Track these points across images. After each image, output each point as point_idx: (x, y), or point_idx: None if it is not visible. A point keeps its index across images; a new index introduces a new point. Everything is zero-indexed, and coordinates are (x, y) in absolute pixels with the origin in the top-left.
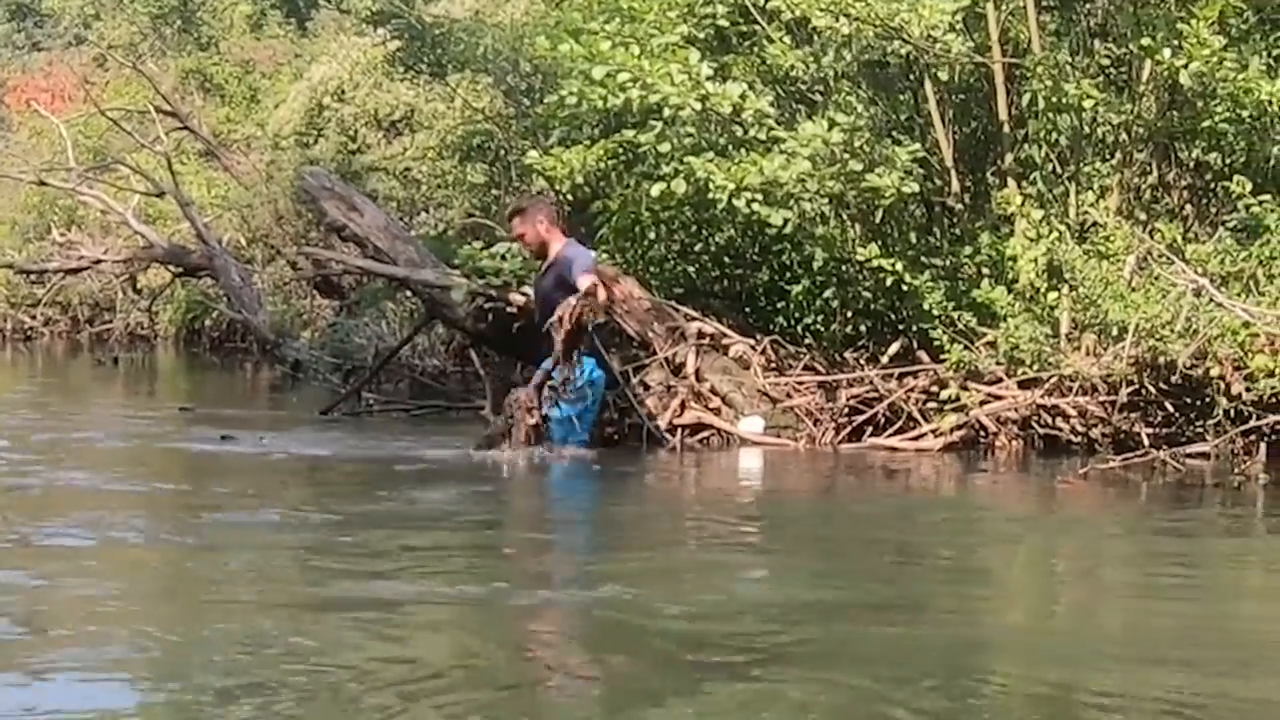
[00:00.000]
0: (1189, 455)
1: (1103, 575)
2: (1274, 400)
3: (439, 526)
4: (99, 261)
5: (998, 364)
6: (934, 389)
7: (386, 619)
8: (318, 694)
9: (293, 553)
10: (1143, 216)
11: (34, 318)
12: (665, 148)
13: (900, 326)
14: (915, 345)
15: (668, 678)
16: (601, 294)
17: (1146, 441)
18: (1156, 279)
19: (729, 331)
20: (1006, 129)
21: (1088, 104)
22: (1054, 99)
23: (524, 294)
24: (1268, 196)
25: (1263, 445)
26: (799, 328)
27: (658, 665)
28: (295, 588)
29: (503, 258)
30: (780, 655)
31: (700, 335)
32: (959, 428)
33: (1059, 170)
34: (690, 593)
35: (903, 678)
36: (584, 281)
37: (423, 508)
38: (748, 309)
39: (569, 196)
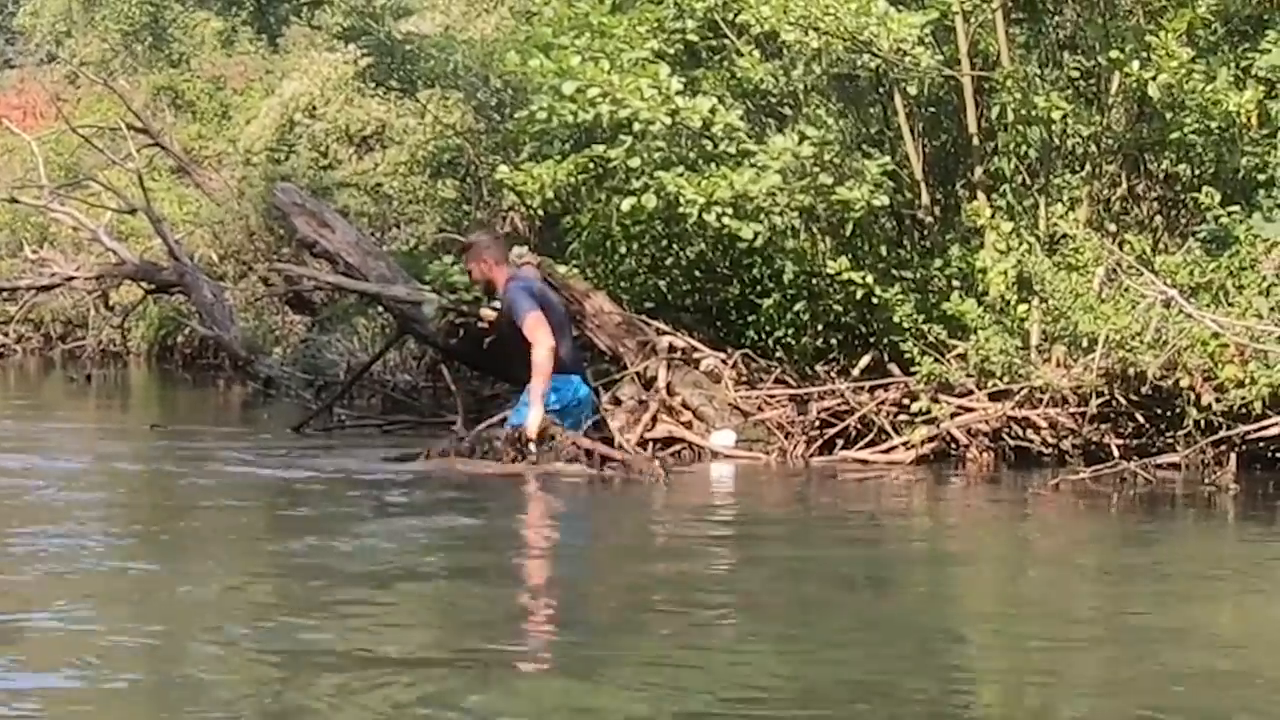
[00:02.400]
0: (1159, 466)
1: (1072, 587)
2: (1244, 411)
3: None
4: (71, 279)
5: (968, 376)
6: (905, 401)
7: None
8: None
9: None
10: (1112, 228)
11: (6, 335)
12: (635, 162)
13: (871, 339)
14: (886, 358)
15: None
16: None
17: (1117, 453)
18: (1126, 290)
19: (700, 345)
20: (976, 142)
21: (1057, 116)
22: (1023, 111)
23: (494, 309)
24: (1236, 208)
25: (1233, 456)
26: (770, 341)
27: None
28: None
29: None
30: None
31: (671, 349)
32: (930, 440)
33: (1028, 182)
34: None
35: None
36: (535, 346)
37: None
38: (719, 323)
39: (539, 211)
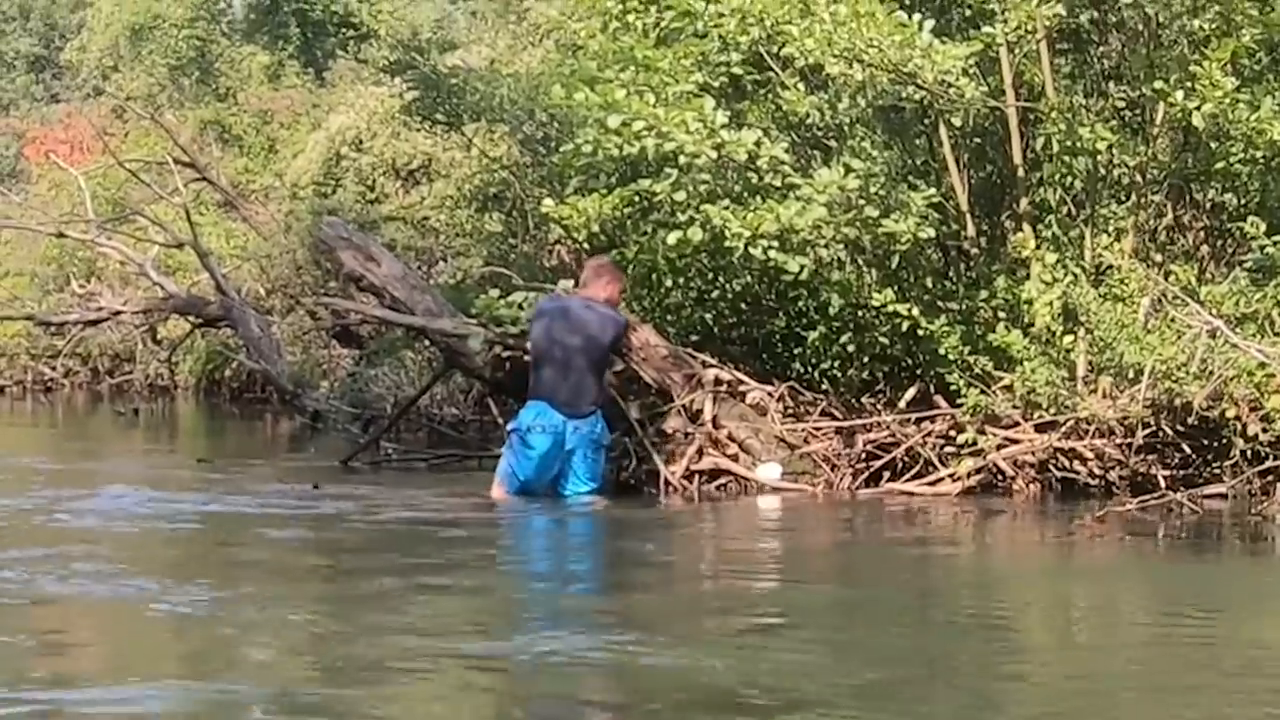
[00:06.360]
0: (1206, 496)
1: (1122, 621)
2: None
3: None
4: (118, 313)
5: (1014, 407)
6: (951, 433)
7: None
8: None
9: None
10: (1158, 258)
11: (54, 369)
12: (681, 196)
13: (917, 371)
14: (932, 390)
15: None
16: None
17: (1163, 483)
18: (1172, 321)
19: (746, 378)
20: (1021, 173)
21: (1102, 147)
22: (1068, 142)
23: None
24: None
25: (1279, 485)
26: (816, 373)
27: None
28: None
29: (520, 306)
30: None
31: (717, 382)
32: (976, 472)
33: (1074, 213)
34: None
35: None
36: None
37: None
38: (765, 355)
39: (586, 245)
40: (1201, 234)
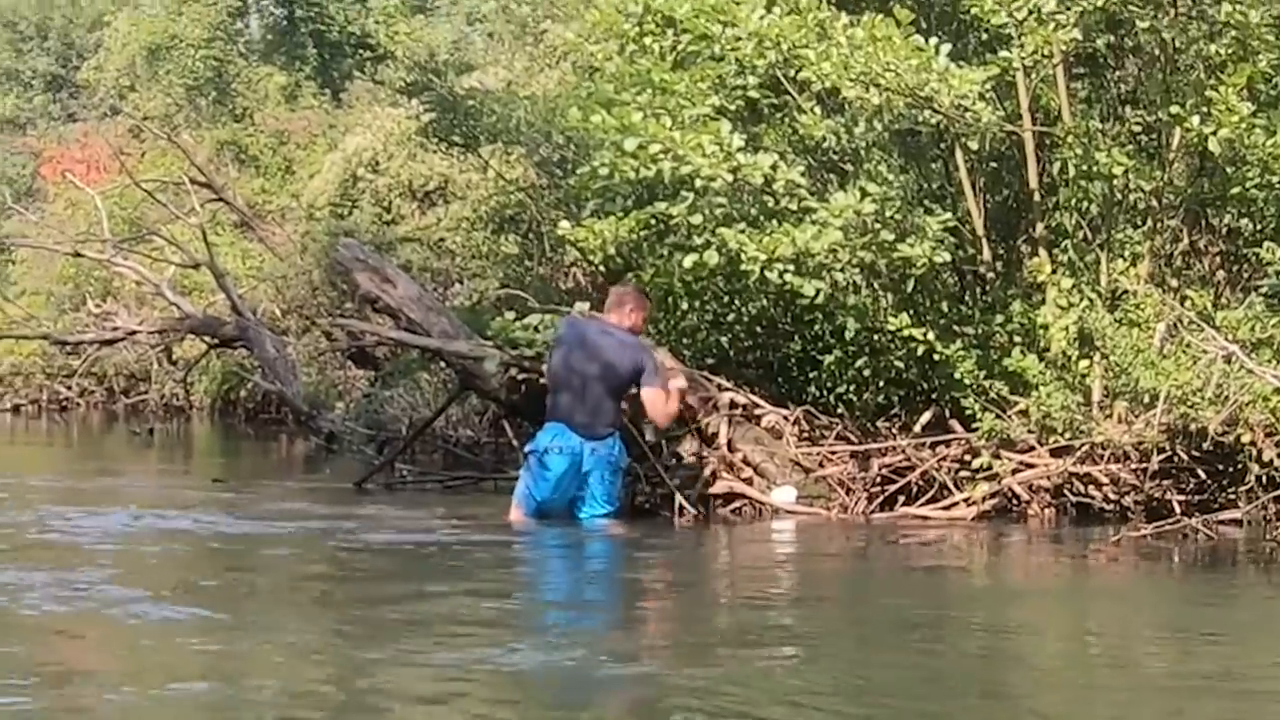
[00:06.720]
0: (1221, 522)
1: (1135, 647)
2: None
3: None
4: (134, 332)
5: (1030, 432)
6: (966, 458)
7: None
8: None
9: None
10: (1174, 283)
11: (70, 388)
12: (697, 219)
13: (932, 395)
14: (947, 414)
15: None
16: None
17: (1178, 509)
18: (1187, 346)
19: (761, 401)
20: (1037, 197)
21: (1118, 171)
22: (1085, 167)
23: None
24: None
25: None
26: (831, 397)
27: None
28: None
29: (536, 329)
30: None
31: (733, 405)
32: (991, 496)
33: (1090, 238)
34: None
35: None
36: None
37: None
38: (780, 379)
39: (602, 267)
40: (1217, 259)
